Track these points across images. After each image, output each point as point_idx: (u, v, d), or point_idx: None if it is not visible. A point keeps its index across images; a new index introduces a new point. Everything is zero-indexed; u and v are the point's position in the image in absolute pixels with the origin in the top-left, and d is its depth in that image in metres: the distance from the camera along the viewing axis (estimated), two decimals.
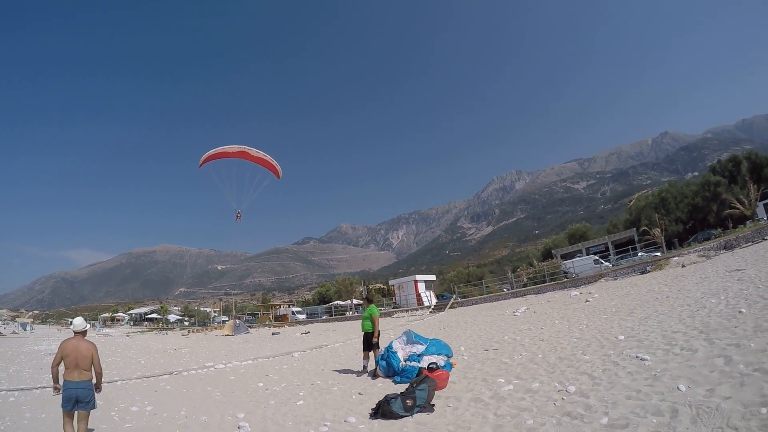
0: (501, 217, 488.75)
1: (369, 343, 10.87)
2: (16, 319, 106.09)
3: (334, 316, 45.27)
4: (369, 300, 11.97)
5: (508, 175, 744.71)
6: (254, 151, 20.72)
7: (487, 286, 40.10)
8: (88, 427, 6.26)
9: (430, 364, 8.92)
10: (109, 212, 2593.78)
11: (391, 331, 21.28)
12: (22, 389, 11.28)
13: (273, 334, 34.70)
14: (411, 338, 11.03)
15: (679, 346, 7.09)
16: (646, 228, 34.95)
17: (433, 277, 45.68)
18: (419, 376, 8.08)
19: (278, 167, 21.64)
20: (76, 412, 5.93)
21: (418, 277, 41.51)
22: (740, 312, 8.39)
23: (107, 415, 8.22)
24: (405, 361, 9.86)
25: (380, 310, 40.18)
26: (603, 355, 7.77)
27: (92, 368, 6.19)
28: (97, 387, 6.34)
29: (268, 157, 21.18)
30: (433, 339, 11.23)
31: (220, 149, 20.24)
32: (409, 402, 6.69)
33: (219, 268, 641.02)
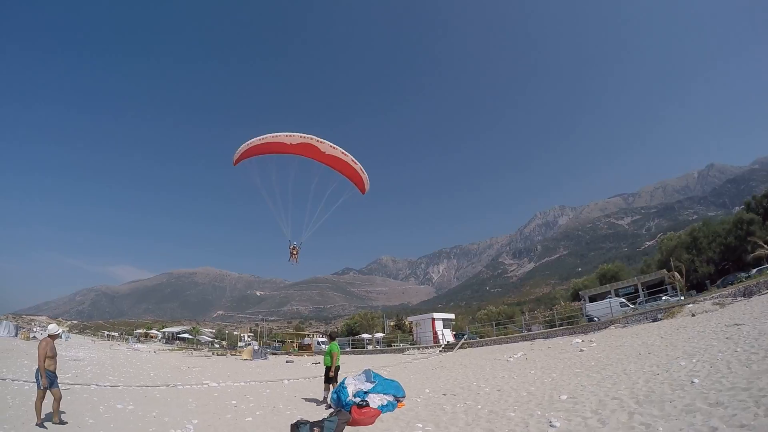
0: (543, 254, 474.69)
1: (328, 376, 11.76)
2: None
3: (353, 349, 45.30)
4: (332, 337, 12.77)
5: (551, 211, 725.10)
6: (327, 146, 13.25)
7: (505, 327, 39.14)
8: (60, 409, 8.44)
9: (361, 401, 9.36)
10: (154, 234, 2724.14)
11: (391, 368, 21.14)
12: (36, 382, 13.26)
13: (287, 362, 35.28)
14: (369, 377, 11.44)
15: (598, 417, 6.80)
16: (665, 271, 33.18)
17: (451, 316, 45.04)
18: (339, 409, 8.90)
19: (364, 175, 14.34)
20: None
21: (436, 315, 41.12)
22: (692, 382, 7.86)
23: (96, 409, 10.08)
24: (352, 396, 10.26)
25: (397, 345, 40.20)
26: (527, 415, 7.61)
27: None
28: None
29: (350, 158, 13.65)
30: (387, 379, 11.55)
31: (270, 137, 13.35)
32: (316, 430, 7.42)
33: (258, 293, 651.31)
